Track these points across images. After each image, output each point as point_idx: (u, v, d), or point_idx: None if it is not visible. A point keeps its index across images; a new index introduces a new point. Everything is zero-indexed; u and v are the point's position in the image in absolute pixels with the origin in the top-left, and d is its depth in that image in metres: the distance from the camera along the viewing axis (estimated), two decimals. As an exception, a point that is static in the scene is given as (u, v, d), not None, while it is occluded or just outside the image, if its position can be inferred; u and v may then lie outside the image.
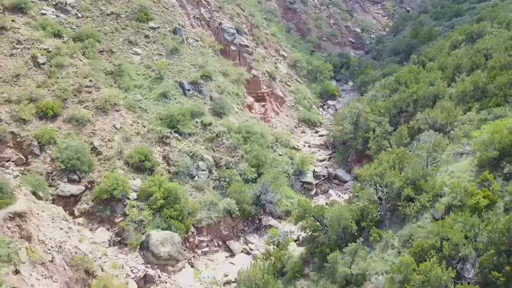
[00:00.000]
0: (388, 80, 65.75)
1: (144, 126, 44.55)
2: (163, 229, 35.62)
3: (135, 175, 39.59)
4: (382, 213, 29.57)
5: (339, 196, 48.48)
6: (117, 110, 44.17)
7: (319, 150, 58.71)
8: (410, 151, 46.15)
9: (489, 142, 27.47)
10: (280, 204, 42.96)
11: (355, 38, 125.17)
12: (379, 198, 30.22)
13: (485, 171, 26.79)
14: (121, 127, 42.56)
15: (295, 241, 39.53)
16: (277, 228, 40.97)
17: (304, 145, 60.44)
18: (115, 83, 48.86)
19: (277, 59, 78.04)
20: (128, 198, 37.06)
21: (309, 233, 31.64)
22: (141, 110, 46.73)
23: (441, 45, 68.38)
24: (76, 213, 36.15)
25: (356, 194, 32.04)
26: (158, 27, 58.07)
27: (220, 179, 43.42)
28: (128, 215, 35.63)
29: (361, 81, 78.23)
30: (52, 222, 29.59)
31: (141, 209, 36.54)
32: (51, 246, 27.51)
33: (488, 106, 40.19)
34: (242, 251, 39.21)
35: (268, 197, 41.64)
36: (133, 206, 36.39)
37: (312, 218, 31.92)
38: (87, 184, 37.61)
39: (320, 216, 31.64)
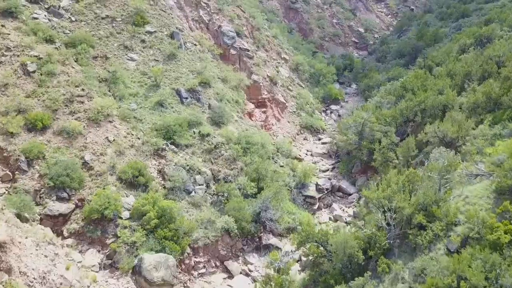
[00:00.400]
0: (394, 86, 63.51)
1: (138, 138, 42.45)
2: (157, 251, 33.59)
3: (128, 192, 37.52)
4: (391, 241, 27.45)
5: (343, 210, 46.40)
6: (110, 121, 42.06)
7: (322, 160, 56.56)
8: (416, 164, 44.26)
9: (509, 168, 25.26)
10: (281, 221, 40.86)
11: (358, 38, 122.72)
12: (388, 224, 28.13)
13: (505, 200, 24.65)
14: (114, 140, 40.46)
15: (297, 261, 37.62)
16: (278, 248, 38.95)
17: (306, 154, 58.28)
18: (109, 91, 46.77)
19: (279, 63, 75.74)
20: (121, 218, 35.01)
21: (312, 260, 29.50)
22: (136, 120, 44.61)
23: (449, 49, 66.00)
24: (65, 233, 34.14)
25: (362, 217, 29.88)
26: (155, 31, 55.81)
27: (218, 194, 41.34)
28: (120, 237, 33.55)
29: (365, 85, 75.96)
30: (36, 250, 27.57)
31: (134, 230, 34.48)
32: (34, 278, 25.53)
33: (501, 119, 37.98)
34: (241, 272, 37.18)
35: (268, 214, 39.55)
36: (125, 227, 34.34)
37: (315, 243, 29.85)
38: (77, 202, 35.57)
39: (324, 242, 29.56)
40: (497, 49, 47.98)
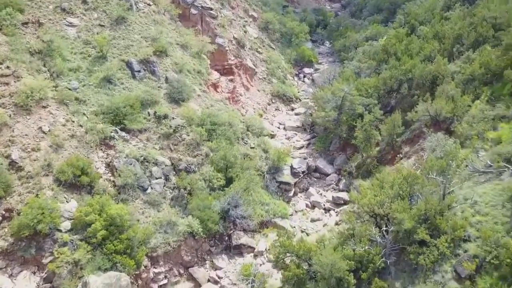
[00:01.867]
0: (373, 48, 57.84)
1: (81, 126, 35.38)
2: (105, 270, 27.99)
3: (68, 196, 31.12)
4: (387, 259, 22.83)
5: (321, 194, 41.74)
6: (44, 106, 34.64)
7: (296, 134, 51.15)
8: (402, 143, 39.63)
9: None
10: (254, 215, 35.80)
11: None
12: (382, 236, 23.43)
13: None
14: (49, 130, 33.31)
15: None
16: (250, 248, 34.31)
17: (279, 128, 52.68)
18: (44, 66, 38.77)
19: (246, 21, 67.95)
20: (60, 230, 28.86)
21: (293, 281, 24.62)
22: (78, 102, 37.25)
23: (432, 5, 60.20)
24: (-9, 253, 27.86)
25: (351, 227, 24.96)
26: (99, -11, 46.93)
27: (180, 188, 35.55)
28: (58, 257, 27.58)
29: (341, 45, 69.71)
30: None
31: (76, 245, 28.50)
32: None
33: (502, 94, 33.32)
34: (209, 280, 32.35)
35: (239, 211, 34.32)
36: (65, 243, 28.25)
37: (295, 258, 24.99)
38: (3, 213, 28.93)
39: (306, 257, 24.72)
40: (492, 9, 42.46)
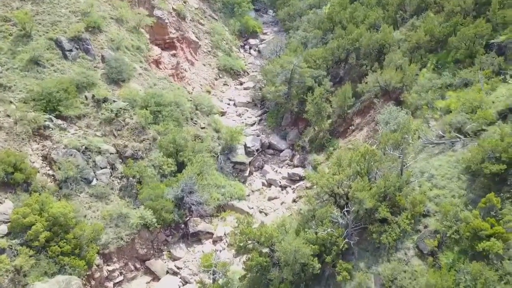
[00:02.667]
0: (318, 16, 56.74)
1: (8, 116, 31.64)
2: (53, 274, 25.73)
3: (2, 196, 27.90)
4: (349, 241, 22.58)
5: (276, 171, 41.06)
6: (-38, 97, 30.58)
7: (247, 110, 49.70)
8: (353, 114, 39.61)
9: (491, 146, 20.66)
10: (210, 200, 34.45)
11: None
12: (344, 214, 23.10)
13: (482, 184, 20.44)
14: (-29, 124, 29.56)
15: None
16: (209, 234, 33.18)
17: (229, 104, 50.88)
18: (-44, 49, 34.09)
19: (185, -9, 64.04)
20: (-5, 236, 25.98)
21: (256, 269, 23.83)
22: (2, 89, 33.19)
23: (373, -30, 59.62)
24: None
25: (311, 208, 24.41)
26: (14, -43, 41.43)
27: (128, 177, 33.27)
28: (-5, 267, 24.88)
29: (285, 14, 67.96)
30: None
31: (16, 251, 25.82)
32: None
33: (447, 62, 33.76)
34: (167, 272, 30.98)
35: (194, 197, 32.79)
36: (3, 250, 25.44)
37: (257, 245, 24.14)
38: None
39: (268, 244, 23.95)
40: (433, -26, 42.49)
